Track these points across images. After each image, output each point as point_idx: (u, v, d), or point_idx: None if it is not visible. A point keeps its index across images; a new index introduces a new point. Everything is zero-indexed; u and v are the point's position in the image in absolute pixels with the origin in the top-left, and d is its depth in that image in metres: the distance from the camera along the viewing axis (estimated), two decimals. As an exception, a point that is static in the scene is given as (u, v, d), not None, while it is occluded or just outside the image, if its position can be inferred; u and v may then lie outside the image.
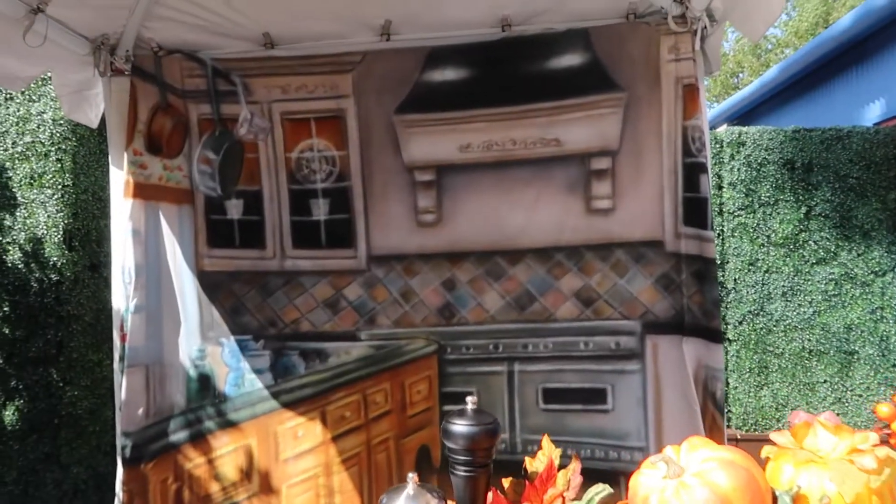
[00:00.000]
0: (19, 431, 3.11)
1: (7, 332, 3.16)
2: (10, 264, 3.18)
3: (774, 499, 1.01)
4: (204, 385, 2.69)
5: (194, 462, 2.66)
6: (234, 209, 2.73)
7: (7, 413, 3.13)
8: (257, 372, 2.69)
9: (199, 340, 2.70)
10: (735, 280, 4.37)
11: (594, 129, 2.47)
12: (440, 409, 2.65)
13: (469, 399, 1.14)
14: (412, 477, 0.93)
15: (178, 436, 2.65)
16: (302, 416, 2.65)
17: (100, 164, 3.26)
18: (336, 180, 2.68)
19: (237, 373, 2.71)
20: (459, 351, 2.63)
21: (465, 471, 1.10)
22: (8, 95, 3.27)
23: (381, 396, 2.67)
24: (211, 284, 2.70)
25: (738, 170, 4.40)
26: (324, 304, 2.70)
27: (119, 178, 2.62)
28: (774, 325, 4.34)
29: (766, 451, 1.07)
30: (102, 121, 2.57)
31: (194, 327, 2.71)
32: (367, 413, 2.66)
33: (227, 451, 2.67)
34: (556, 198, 2.49)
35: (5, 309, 3.17)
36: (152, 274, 2.64)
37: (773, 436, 1.07)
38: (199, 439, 2.65)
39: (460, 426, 1.08)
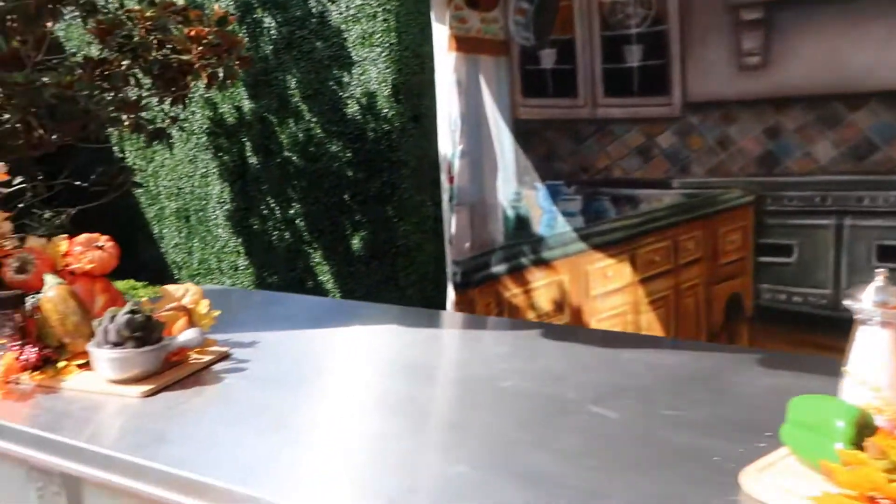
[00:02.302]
0: (364, 257, 3.69)
1: (350, 174, 3.67)
2: (349, 116, 3.63)
3: None
4: (520, 225, 2.90)
5: (512, 292, 2.94)
6: (548, 58, 2.75)
7: (354, 242, 3.72)
8: (569, 215, 2.82)
9: (516, 184, 2.89)
10: None
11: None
12: (755, 259, 2.55)
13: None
14: (881, 271, 0.93)
15: (499, 268, 2.94)
16: (611, 258, 2.76)
17: (417, 22, 3.47)
18: (651, 24, 2.54)
19: (550, 215, 2.86)
20: (780, 202, 2.46)
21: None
22: (337, -39, 3.57)
23: (691, 244, 2.64)
24: (525, 132, 2.83)
25: None
26: (635, 151, 2.68)
27: (442, 34, 2.78)
28: None
29: None
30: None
31: (511, 172, 2.89)
32: (676, 259, 2.67)
33: (542, 285, 2.90)
34: (916, 32, 2.10)
35: (349, 154, 3.66)
36: (473, 122, 2.84)
37: None
38: (517, 273, 2.91)
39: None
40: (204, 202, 4.23)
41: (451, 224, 2.91)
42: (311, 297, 1.99)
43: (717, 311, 2.65)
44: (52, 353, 1.23)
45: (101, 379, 1.20)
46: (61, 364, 1.22)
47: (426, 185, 3.60)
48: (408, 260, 3.58)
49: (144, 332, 1.19)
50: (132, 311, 1.18)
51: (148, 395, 1.17)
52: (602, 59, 2.63)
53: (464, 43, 2.76)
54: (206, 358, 1.31)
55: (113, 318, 1.18)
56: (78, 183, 3.31)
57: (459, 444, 1.00)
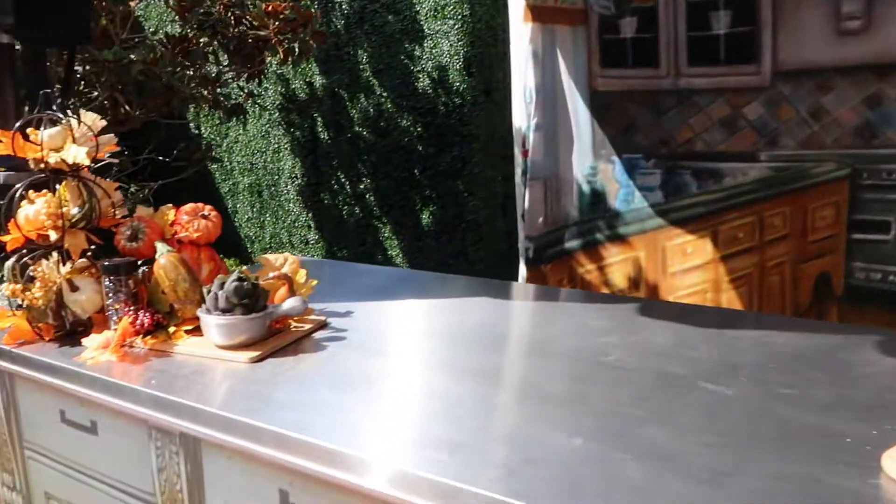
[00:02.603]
0: (433, 232, 3.70)
1: (421, 148, 3.67)
2: (420, 90, 3.61)
3: None
4: (595, 200, 2.84)
5: (586, 268, 2.89)
6: (628, 27, 2.66)
7: (424, 216, 3.72)
8: (648, 189, 2.74)
9: (592, 158, 2.82)
10: None
11: None
12: (848, 236, 2.43)
13: None
14: None
15: (572, 244, 2.88)
16: (692, 234, 2.67)
17: (489, -8, 3.42)
18: (741, -12, 2.42)
19: (627, 190, 2.79)
20: (878, 176, 2.33)
21: None
22: (408, -67, 3.53)
23: (778, 220, 2.54)
24: (603, 104, 2.75)
25: None
26: (720, 123, 2.58)
27: (517, 4, 2.71)
28: None
29: None
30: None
31: (587, 145, 2.82)
32: (761, 235, 2.56)
33: (617, 261, 2.83)
34: None
35: (419, 129, 3.65)
36: (549, 94, 2.78)
37: None
38: (591, 248, 2.85)
39: None
40: (276, 177, 4.31)
41: (525, 199, 2.86)
42: (394, 269, 1.99)
43: (805, 290, 2.54)
44: (162, 319, 1.27)
45: (209, 344, 1.23)
46: (171, 329, 1.26)
47: (497, 159, 3.56)
48: (477, 235, 3.56)
49: (251, 299, 1.21)
50: (240, 279, 1.20)
51: (255, 361, 1.19)
52: (686, 27, 2.53)
53: (540, 13, 2.69)
54: (306, 326, 1.33)
55: (222, 285, 1.20)
56: (161, 158, 3.41)
57: (571, 417, 0.98)
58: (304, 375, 1.16)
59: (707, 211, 2.62)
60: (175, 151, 3.40)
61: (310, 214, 4.23)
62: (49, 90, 1.25)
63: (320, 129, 4.07)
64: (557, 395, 1.06)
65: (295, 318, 1.32)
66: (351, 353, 1.25)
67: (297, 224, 4.30)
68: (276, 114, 4.23)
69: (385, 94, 3.74)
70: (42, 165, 1.23)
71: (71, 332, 1.30)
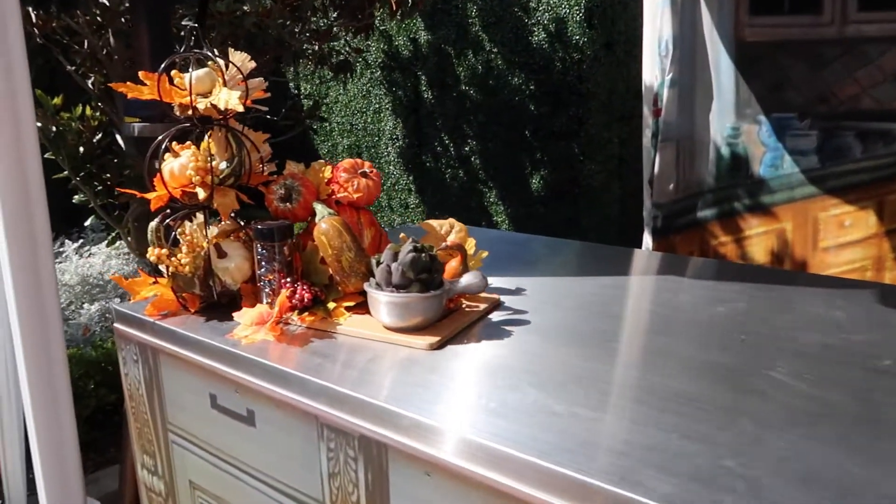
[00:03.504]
0: (544, 197, 3.42)
1: (532, 108, 3.37)
2: (535, 45, 3.30)
3: None
4: (736, 164, 2.50)
5: (720, 240, 2.57)
6: (786, -32, 2.29)
7: (533, 181, 3.44)
8: (800, 153, 2.39)
9: (734, 118, 2.48)
10: None
11: None
12: None
13: None
14: None
15: (706, 213, 2.56)
16: (851, 205, 2.31)
17: (612, -63, 3.05)
18: (931, -83, 2.01)
19: (775, 153, 2.44)
20: None
21: None
22: None
23: (962, 189, 2.15)
24: (750, 57, 2.39)
25: None
26: (894, 77, 2.19)
27: (652, -55, 2.37)
28: None
29: None
30: None
31: (728, 104, 2.48)
32: (939, 207, 2.19)
33: (757, 234, 2.50)
34: None
35: (531, 87, 3.35)
36: (687, 46, 2.44)
37: None
38: (728, 219, 2.53)
39: None
40: (376, 139, 4.10)
41: (654, 163, 2.55)
42: (535, 235, 1.76)
43: None
44: (320, 292, 1.07)
45: (375, 324, 1.02)
46: (331, 305, 1.06)
47: (614, 120, 3.23)
48: (590, 201, 3.26)
49: (429, 274, 0.99)
50: (416, 250, 0.98)
51: (435, 348, 0.98)
52: (860, -34, 2.15)
53: (681, -45, 2.35)
54: (481, 306, 1.10)
55: (395, 256, 0.99)
56: (269, 117, 3.25)
57: (872, 446, 0.72)
58: (499, 369, 0.93)
59: (872, 178, 2.25)
60: (283, 110, 3.23)
61: (410, 177, 4.01)
62: (196, 26, 1.04)
63: (424, 89, 3.81)
64: (837, 409, 0.80)
65: (467, 297, 1.10)
66: (542, 340, 1.01)
67: (397, 187, 4.10)
68: (378, 72, 4.00)
69: (495, 50, 3.44)
70: (189, 112, 1.03)
71: (217, 303, 1.11)
